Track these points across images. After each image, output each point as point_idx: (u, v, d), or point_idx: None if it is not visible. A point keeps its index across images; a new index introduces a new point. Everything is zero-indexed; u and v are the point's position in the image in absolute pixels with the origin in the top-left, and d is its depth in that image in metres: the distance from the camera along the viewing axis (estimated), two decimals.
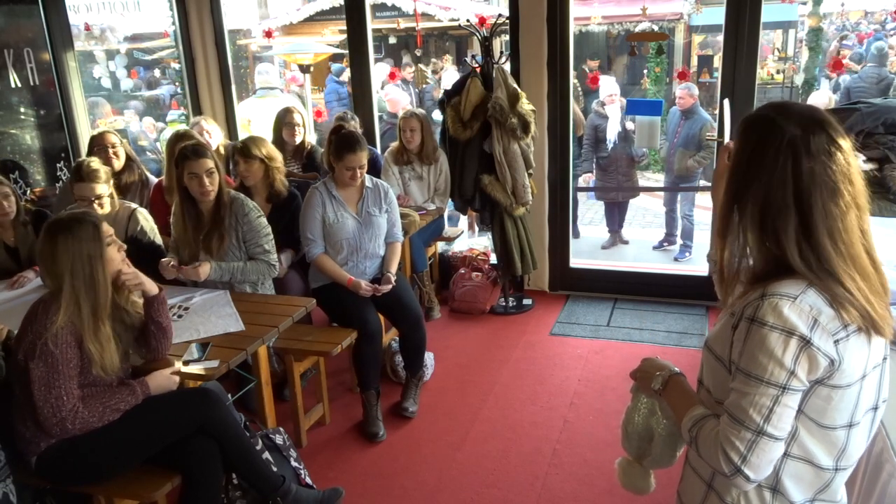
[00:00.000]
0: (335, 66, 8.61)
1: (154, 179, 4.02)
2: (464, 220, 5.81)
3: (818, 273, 1.14)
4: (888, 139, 3.38)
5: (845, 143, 1.16)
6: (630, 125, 5.71)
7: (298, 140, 4.48)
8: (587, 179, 6.14)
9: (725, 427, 1.16)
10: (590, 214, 7.57)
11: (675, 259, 5.80)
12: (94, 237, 2.16)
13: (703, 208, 6.06)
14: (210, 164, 3.05)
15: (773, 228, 1.16)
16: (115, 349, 2.22)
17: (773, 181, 1.15)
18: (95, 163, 3.24)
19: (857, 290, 1.14)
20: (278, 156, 3.66)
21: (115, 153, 3.82)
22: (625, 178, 5.92)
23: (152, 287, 2.37)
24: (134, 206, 3.38)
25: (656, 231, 6.45)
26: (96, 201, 3.13)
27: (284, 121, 4.47)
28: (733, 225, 1.21)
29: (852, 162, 1.15)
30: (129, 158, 3.94)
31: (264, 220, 3.20)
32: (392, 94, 6.51)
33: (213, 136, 4.49)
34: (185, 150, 3.07)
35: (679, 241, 5.92)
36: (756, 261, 1.20)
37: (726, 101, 4.04)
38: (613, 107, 5.83)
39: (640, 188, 6.28)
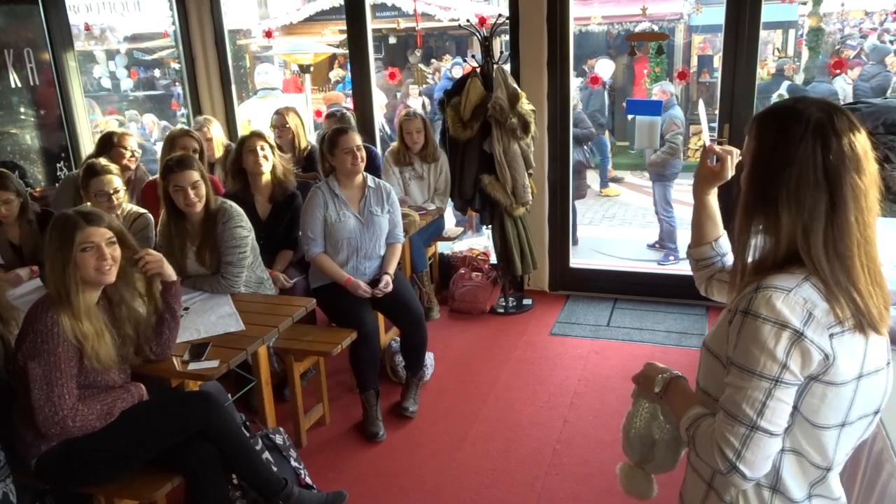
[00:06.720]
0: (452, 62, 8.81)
1: (150, 178, 4.02)
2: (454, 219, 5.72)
3: (830, 257, 1.13)
4: (888, 139, 3.38)
5: (862, 127, 1.17)
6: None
7: (285, 141, 4.46)
8: None
9: (720, 423, 1.16)
10: (590, 214, 7.56)
11: (659, 263, 5.65)
12: (68, 236, 2.11)
13: (682, 204, 5.96)
14: (195, 176, 2.93)
15: (809, 207, 1.15)
16: (110, 341, 2.20)
17: (806, 161, 1.14)
18: (105, 160, 3.29)
19: (862, 284, 1.14)
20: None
21: (120, 153, 3.82)
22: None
23: (171, 273, 2.40)
24: (142, 211, 3.39)
25: (653, 231, 6.36)
26: (114, 195, 3.14)
27: (270, 123, 4.50)
28: (758, 219, 1.20)
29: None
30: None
31: (243, 233, 3.03)
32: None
33: (216, 138, 4.48)
34: (169, 163, 2.97)
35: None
36: (769, 251, 1.20)
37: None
38: None
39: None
